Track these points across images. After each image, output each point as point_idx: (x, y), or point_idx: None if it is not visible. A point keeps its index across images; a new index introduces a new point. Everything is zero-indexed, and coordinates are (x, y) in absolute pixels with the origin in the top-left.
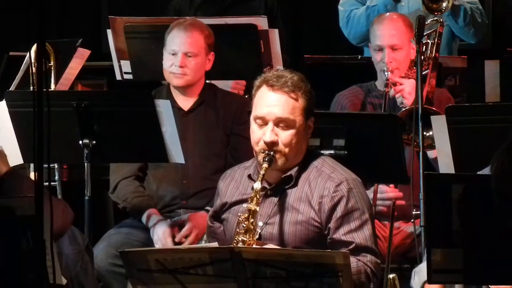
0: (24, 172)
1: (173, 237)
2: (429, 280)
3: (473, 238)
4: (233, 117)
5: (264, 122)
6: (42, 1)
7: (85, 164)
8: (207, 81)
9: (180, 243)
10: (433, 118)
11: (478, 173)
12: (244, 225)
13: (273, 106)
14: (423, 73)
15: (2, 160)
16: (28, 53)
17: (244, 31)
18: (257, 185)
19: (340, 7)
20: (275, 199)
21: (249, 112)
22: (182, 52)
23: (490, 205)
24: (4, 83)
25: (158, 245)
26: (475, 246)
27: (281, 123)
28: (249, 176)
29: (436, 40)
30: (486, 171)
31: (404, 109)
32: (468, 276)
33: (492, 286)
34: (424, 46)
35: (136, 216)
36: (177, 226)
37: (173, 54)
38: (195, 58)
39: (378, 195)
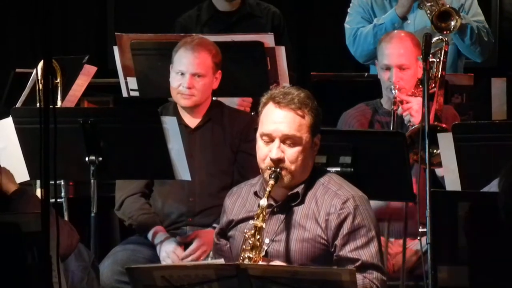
0: (31, 190)
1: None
2: None
3: (479, 255)
4: (240, 134)
5: (270, 139)
6: (48, 18)
7: (91, 181)
8: (213, 98)
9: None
10: (440, 136)
11: (483, 189)
12: (250, 242)
13: (279, 123)
14: (431, 91)
15: (9, 179)
16: (34, 70)
17: (250, 48)
18: (263, 202)
19: (346, 25)
20: (281, 216)
21: (256, 130)
22: (190, 73)
23: (496, 222)
24: (11, 100)
25: (166, 263)
26: (481, 264)
27: (288, 140)
28: (255, 193)
29: (442, 59)
30: (491, 187)
31: (413, 127)
32: None
33: None
34: (430, 65)
35: (142, 233)
36: (183, 244)
37: (180, 75)
38: (203, 78)
39: None
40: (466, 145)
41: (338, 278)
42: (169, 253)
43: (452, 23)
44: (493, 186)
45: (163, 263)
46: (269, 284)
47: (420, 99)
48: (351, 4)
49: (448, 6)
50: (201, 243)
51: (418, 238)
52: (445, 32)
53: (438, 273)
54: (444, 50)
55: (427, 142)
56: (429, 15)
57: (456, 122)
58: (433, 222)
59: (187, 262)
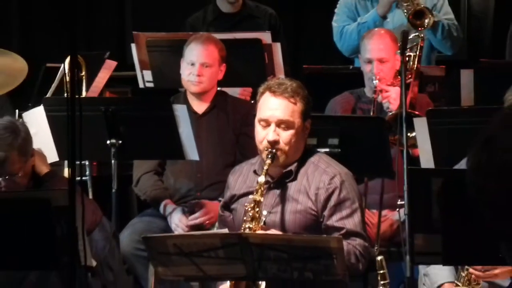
0: (62, 173)
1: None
2: (412, 262)
3: (450, 224)
4: (241, 119)
5: (267, 123)
6: (74, 19)
7: (112, 161)
8: (218, 88)
9: (195, 225)
10: (416, 120)
11: (454, 167)
12: (250, 214)
13: (275, 110)
14: (407, 81)
15: (43, 161)
16: (62, 64)
17: (250, 44)
18: (261, 179)
19: (334, 23)
20: (277, 191)
21: (255, 115)
22: (199, 63)
23: (465, 195)
24: (42, 91)
25: (177, 232)
26: (452, 232)
27: (282, 124)
28: (255, 172)
29: (418, 53)
30: (462, 165)
31: (391, 113)
32: (446, 258)
33: None
34: (407, 58)
35: (155, 206)
36: (189, 212)
37: (191, 64)
38: (210, 68)
39: None
40: (438, 128)
41: (327, 245)
42: (177, 223)
43: (426, 20)
44: (462, 165)
45: (176, 232)
46: (267, 250)
47: (397, 89)
48: (338, 5)
49: (422, 5)
50: (207, 210)
51: (397, 210)
52: (419, 29)
53: (415, 240)
54: (420, 45)
55: (404, 126)
56: (405, 14)
57: (430, 108)
58: (410, 195)
59: (196, 232)
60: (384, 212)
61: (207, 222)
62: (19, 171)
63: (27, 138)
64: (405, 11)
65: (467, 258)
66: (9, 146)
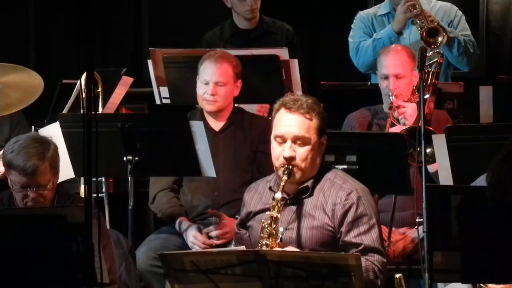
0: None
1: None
2: (431, 279)
3: (469, 241)
4: (259, 136)
5: (283, 140)
6: (91, 35)
7: (129, 177)
8: (235, 105)
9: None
10: (434, 137)
11: (471, 184)
12: (267, 230)
13: (290, 126)
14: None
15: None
16: (78, 81)
17: (267, 61)
18: (278, 195)
19: (350, 39)
20: (293, 207)
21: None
22: (213, 82)
23: (483, 212)
24: (58, 107)
25: (194, 249)
26: (472, 249)
27: (298, 140)
28: (270, 188)
29: (436, 69)
30: (478, 182)
31: (404, 128)
32: (465, 276)
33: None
34: (426, 74)
35: (170, 223)
36: (204, 228)
37: (205, 84)
38: (225, 86)
39: None
40: (457, 145)
41: (345, 262)
42: (193, 241)
43: (439, 38)
44: (479, 181)
45: (193, 249)
46: (284, 267)
47: (413, 105)
48: (354, 21)
49: (436, 23)
50: (223, 225)
51: (416, 227)
52: (433, 46)
53: (434, 258)
54: (439, 62)
55: (423, 142)
56: (419, 30)
57: (449, 125)
58: (429, 213)
59: (212, 249)
60: (402, 230)
61: (222, 237)
62: (48, 183)
63: (57, 151)
64: (419, 27)
65: (486, 275)
66: (41, 155)
